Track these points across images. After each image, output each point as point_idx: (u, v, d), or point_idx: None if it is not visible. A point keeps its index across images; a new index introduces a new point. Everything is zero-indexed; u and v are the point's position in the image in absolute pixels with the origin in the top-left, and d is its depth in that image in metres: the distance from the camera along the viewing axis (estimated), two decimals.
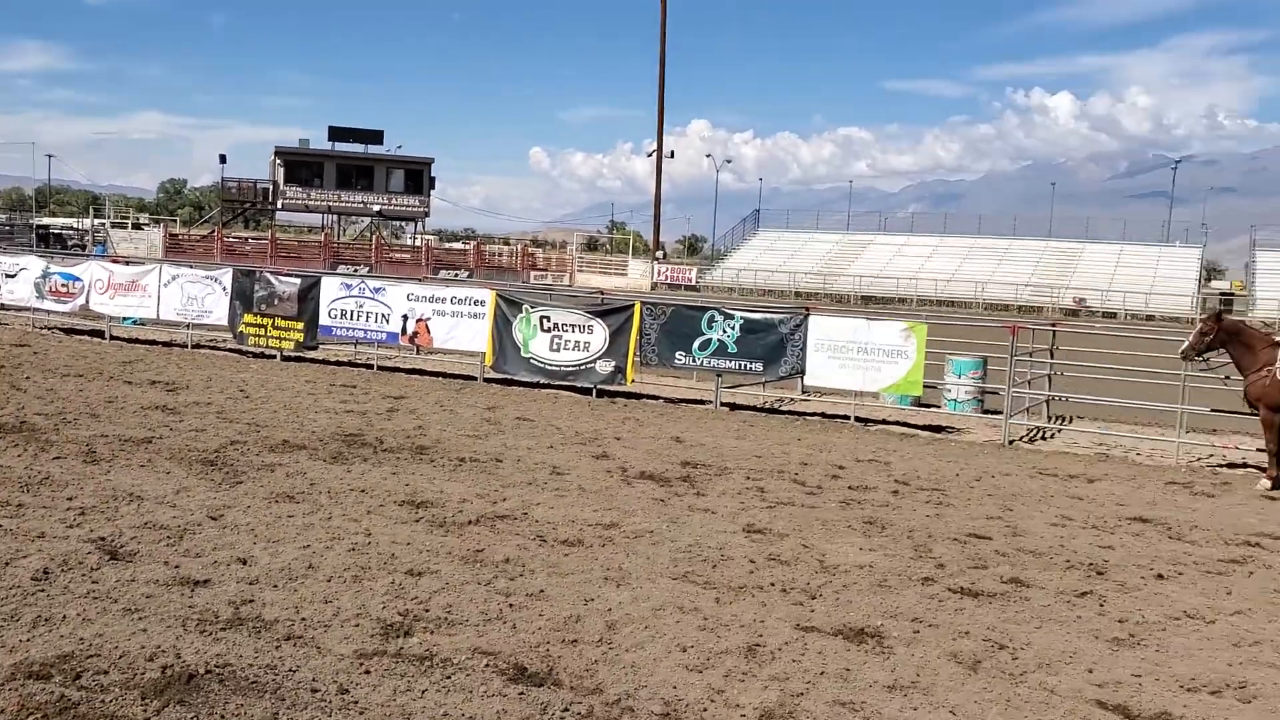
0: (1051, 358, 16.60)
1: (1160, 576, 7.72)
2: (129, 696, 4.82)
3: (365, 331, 17.59)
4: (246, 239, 65.79)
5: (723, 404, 15.99)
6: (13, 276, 20.83)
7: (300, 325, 17.85)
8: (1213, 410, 14.03)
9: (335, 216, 73.69)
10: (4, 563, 6.43)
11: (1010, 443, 14.25)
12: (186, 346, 18.82)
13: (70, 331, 20.37)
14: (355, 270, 48.39)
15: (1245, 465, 13.12)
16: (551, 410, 14.46)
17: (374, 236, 70.99)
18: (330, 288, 17.88)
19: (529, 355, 16.48)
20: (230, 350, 18.64)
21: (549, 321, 16.40)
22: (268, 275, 18.56)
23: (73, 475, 8.68)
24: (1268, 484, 11.70)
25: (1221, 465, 13.30)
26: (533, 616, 6.12)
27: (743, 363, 15.68)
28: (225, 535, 7.36)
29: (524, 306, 16.67)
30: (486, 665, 5.36)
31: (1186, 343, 12.58)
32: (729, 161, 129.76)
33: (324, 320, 17.72)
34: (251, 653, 5.40)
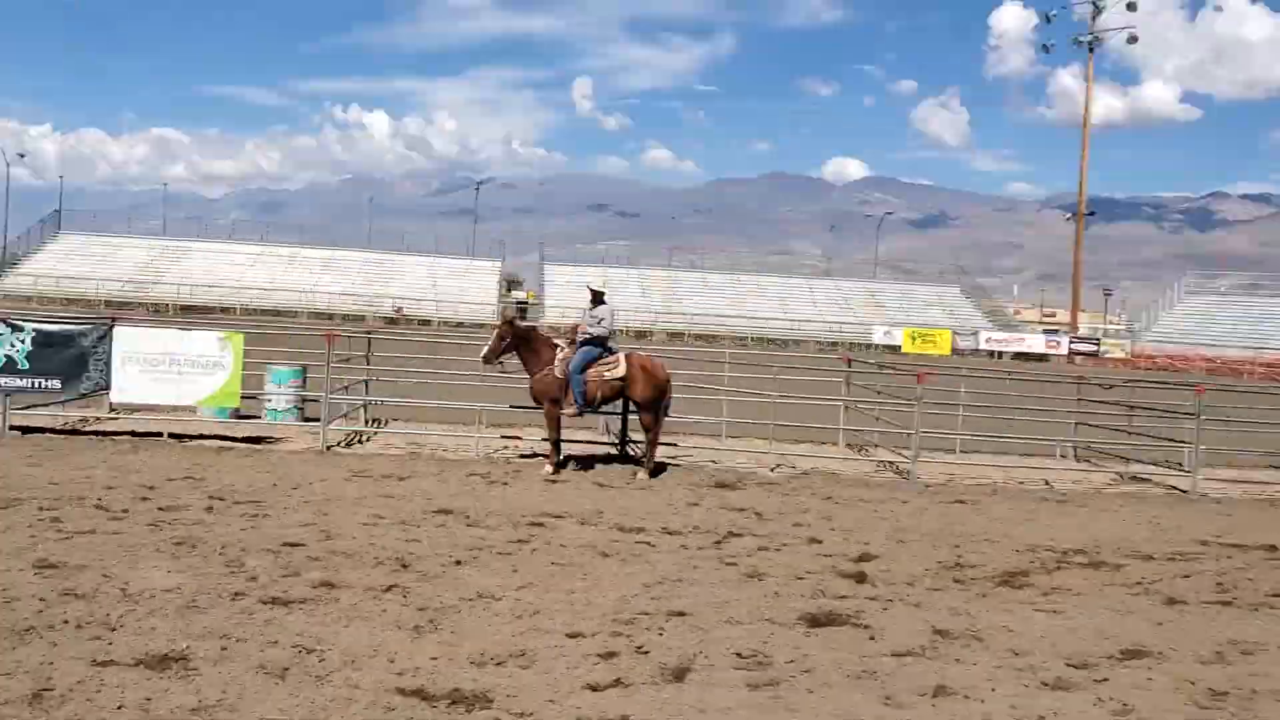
0: (368, 363, 17.23)
1: (459, 563, 8.41)
2: None
3: None
4: None
5: (12, 428, 14.20)
6: None
7: None
8: (511, 406, 15.59)
9: None
10: None
11: (328, 448, 14.52)
12: None
13: None
14: None
15: (534, 455, 14.79)
16: None
17: None
18: None
19: None
20: None
21: None
22: None
23: None
24: (550, 469, 13.33)
25: (515, 456, 14.86)
26: None
27: (37, 380, 14.10)
28: None
29: None
30: None
31: (486, 347, 13.82)
32: (23, 156, 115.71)
33: None
34: None
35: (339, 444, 15.13)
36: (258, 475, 11.95)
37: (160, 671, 5.62)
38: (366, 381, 17.28)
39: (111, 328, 14.41)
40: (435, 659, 6.11)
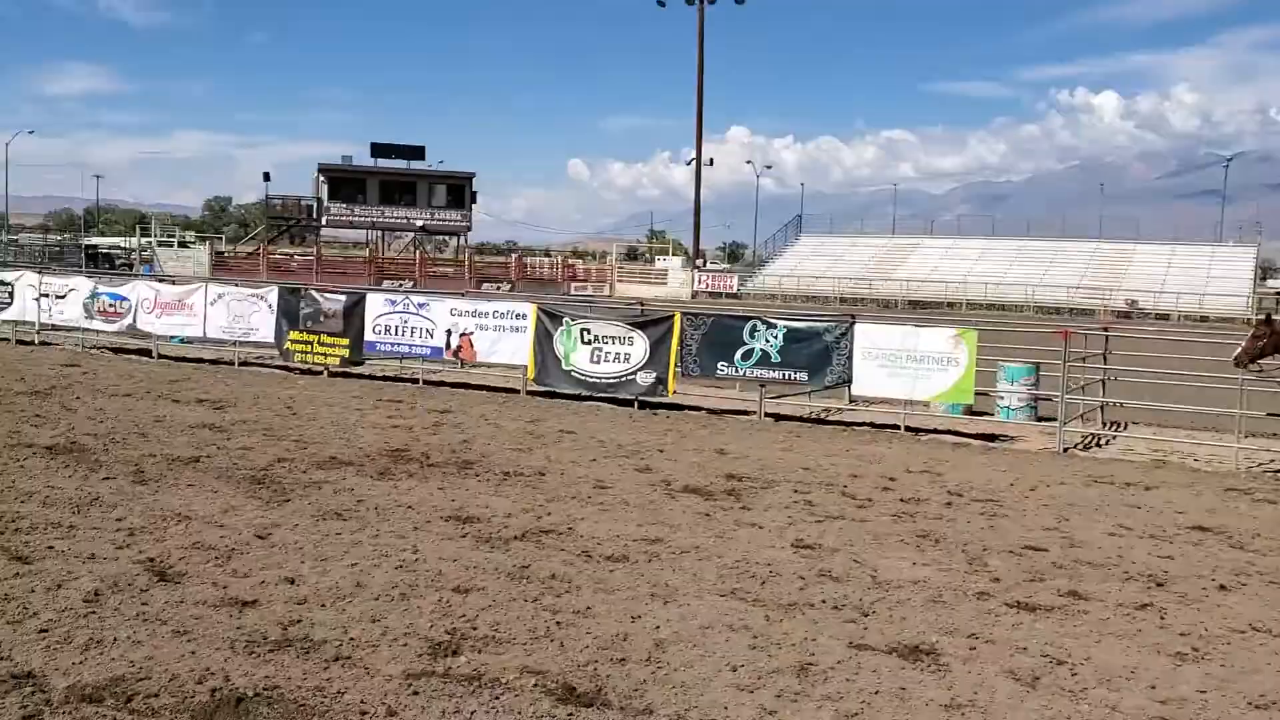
0: (1105, 362, 16.28)
1: (1223, 588, 7.50)
2: (179, 719, 4.81)
3: (410, 346, 17.66)
4: (292, 255, 66.55)
5: (767, 414, 15.85)
6: (62, 298, 21.17)
7: (346, 341, 17.97)
8: (1269, 414, 13.68)
9: (379, 232, 74.35)
10: (56, 585, 6.48)
11: (1065, 450, 13.98)
12: (233, 364, 19.02)
13: (118, 351, 20.66)
14: (399, 285, 48.73)
15: None
16: (594, 423, 14.41)
17: (417, 251, 71.53)
18: (375, 304, 17.98)
19: (570, 368, 16.45)
20: (277, 367, 18.81)
21: (589, 334, 16.37)
22: (313, 293, 18.71)
23: (122, 496, 8.75)
24: None
25: None
26: (580, 634, 6.05)
27: (787, 372, 15.54)
28: (273, 554, 7.37)
29: (564, 319, 16.65)
30: (535, 685, 5.29)
31: (1239, 349, 12.26)
32: (769, 167, 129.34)
33: (369, 336, 17.82)
34: (300, 674, 5.37)
35: (1076, 446, 14.48)
36: (994, 474, 11.89)
37: (912, 662, 5.76)
38: (1104, 381, 16.32)
39: (852, 325, 15.35)
40: (1203, 693, 5.47)
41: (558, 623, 6.23)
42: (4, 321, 21.91)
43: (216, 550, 7.36)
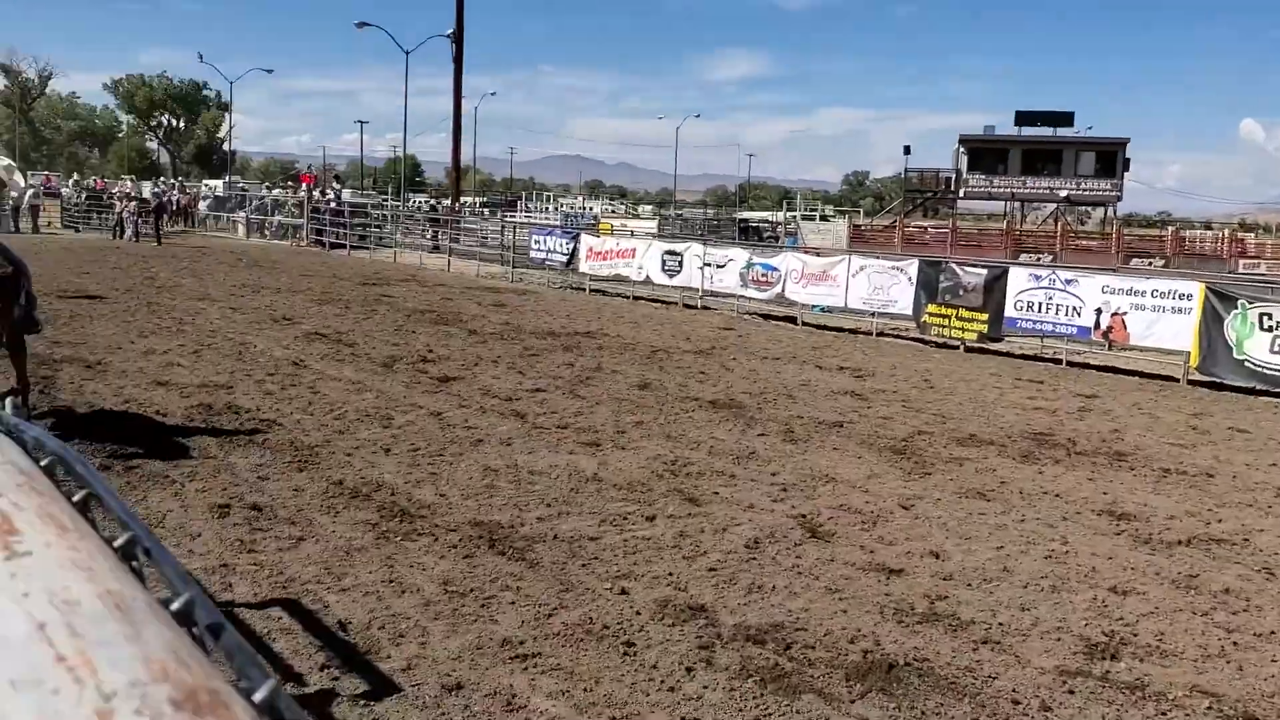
0: None
1: None
2: (834, 675, 5.00)
3: (1053, 325, 16.85)
4: (926, 228, 67.17)
5: None
6: (721, 267, 23.34)
7: (984, 316, 17.65)
8: None
9: (1018, 204, 72.21)
10: (722, 528, 7.11)
11: None
12: (871, 334, 19.62)
13: (767, 317, 22.30)
14: (1038, 259, 46.93)
15: None
16: (1271, 423, 12.59)
17: (1058, 224, 68.29)
18: (1018, 278, 17.42)
19: (1243, 357, 14.54)
20: (913, 339, 19.05)
21: (1271, 319, 14.31)
22: (953, 266, 18.62)
23: (775, 452, 9.38)
24: None
25: None
26: (1263, 660, 5.29)
27: None
28: (917, 526, 7.42)
29: (1239, 301, 14.74)
30: (1209, 708, 4.72)
31: None
32: None
33: (1009, 312, 17.32)
34: (949, 651, 5.33)
35: None
36: None
37: None
38: None
39: None
40: None
41: (1234, 643, 5.52)
42: (674, 287, 24.73)
43: (862, 515, 7.58)
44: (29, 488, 0.51)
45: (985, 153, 69.37)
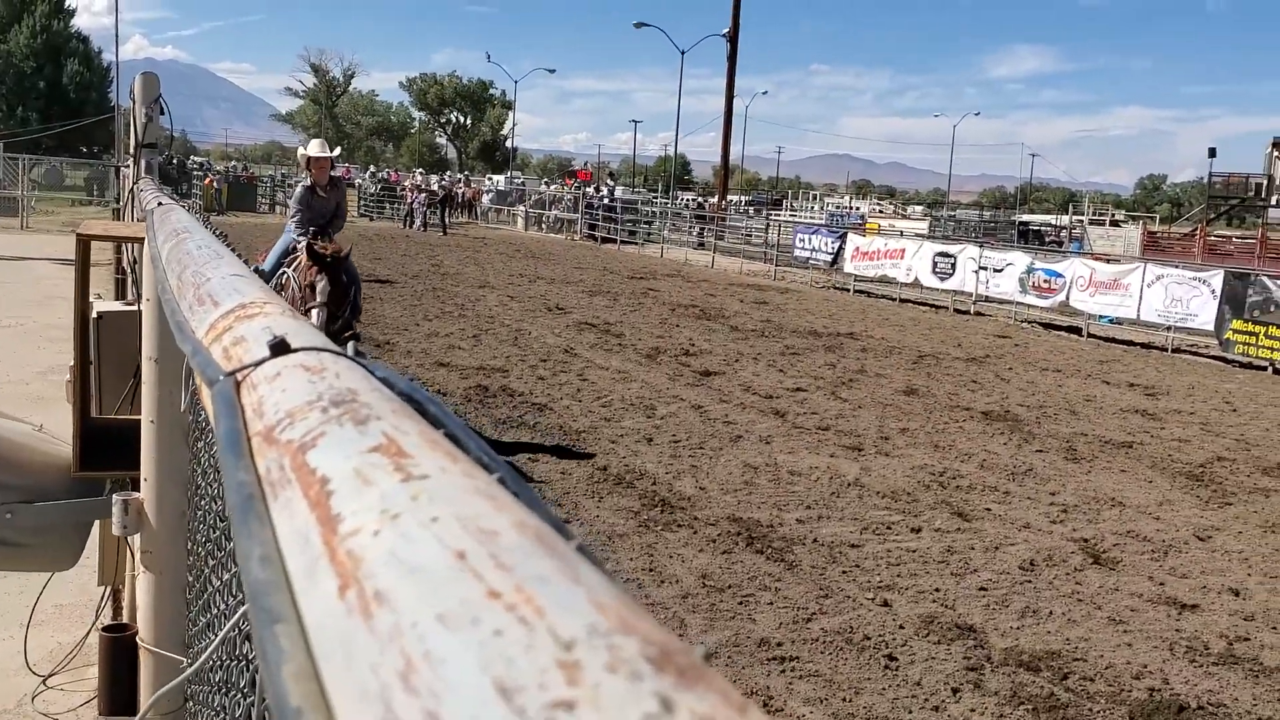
0: None
1: None
2: (1115, 712, 4.63)
3: None
4: (1230, 238, 61.83)
5: None
6: (999, 271, 22.27)
7: None
8: None
9: None
10: (994, 547, 6.74)
11: None
12: (1165, 350, 18.18)
13: (1048, 326, 21.11)
14: None
15: None
16: None
17: None
18: None
19: None
20: (1213, 358, 17.50)
21: None
22: (1264, 279, 16.96)
23: (1054, 471, 8.83)
24: None
25: None
26: None
27: None
28: (1214, 559, 6.78)
29: None
30: None
31: None
32: None
33: None
34: (1249, 699, 4.83)
35: None
36: None
37: None
38: None
39: None
40: None
41: None
42: (945, 291, 23.85)
43: (1152, 543, 7.00)
44: (404, 413, 0.48)
45: None
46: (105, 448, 3.64)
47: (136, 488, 2.92)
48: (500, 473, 0.49)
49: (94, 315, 4.05)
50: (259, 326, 0.76)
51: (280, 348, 0.63)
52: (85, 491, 3.68)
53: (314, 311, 7.77)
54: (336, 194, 8.96)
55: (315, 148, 8.83)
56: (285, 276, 8.29)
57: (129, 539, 3.17)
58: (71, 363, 3.94)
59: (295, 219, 8.60)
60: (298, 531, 0.39)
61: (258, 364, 0.63)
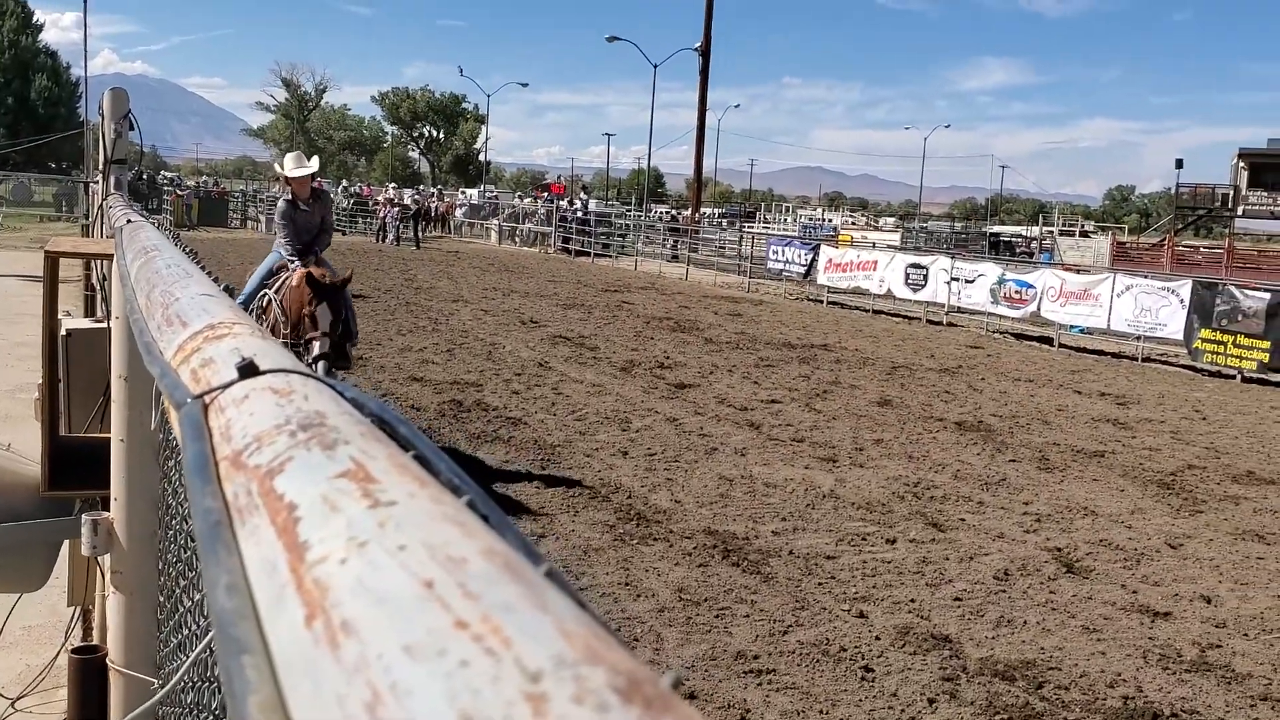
0: None
1: None
2: None
3: None
4: (1198, 248, 62.57)
5: None
6: (971, 282, 22.43)
7: (1266, 344, 16.16)
8: None
9: None
10: (968, 557, 6.77)
11: None
12: (1136, 359, 18.36)
13: (1019, 336, 21.27)
14: None
15: None
16: None
17: None
18: None
19: None
20: (1183, 366, 17.69)
21: None
22: (1231, 288, 17.17)
23: (1027, 480, 8.88)
24: None
25: None
26: None
27: None
28: (1186, 567, 6.83)
29: None
30: None
31: None
32: None
33: None
34: (1221, 705, 4.88)
35: None
36: None
37: None
38: None
39: None
40: None
41: None
42: (917, 302, 23.99)
43: (1124, 552, 7.05)
44: (373, 437, 0.47)
45: (1268, 168, 63.86)
46: (75, 467, 3.60)
47: (106, 507, 2.89)
48: (470, 496, 0.49)
49: (63, 332, 4.00)
50: (227, 348, 0.75)
51: (248, 370, 0.63)
52: (54, 511, 3.64)
53: (315, 343, 7.45)
54: (320, 207, 8.63)
55: (291, 164, 8.45)
56: (266, 299, 7.95)
57: (99, 559, 3.14)
58: (40, 380, 3.90)
59: (284, 238, 8.30)
60: (265, 559, 0.39)
61: (225, 386, 0.63)
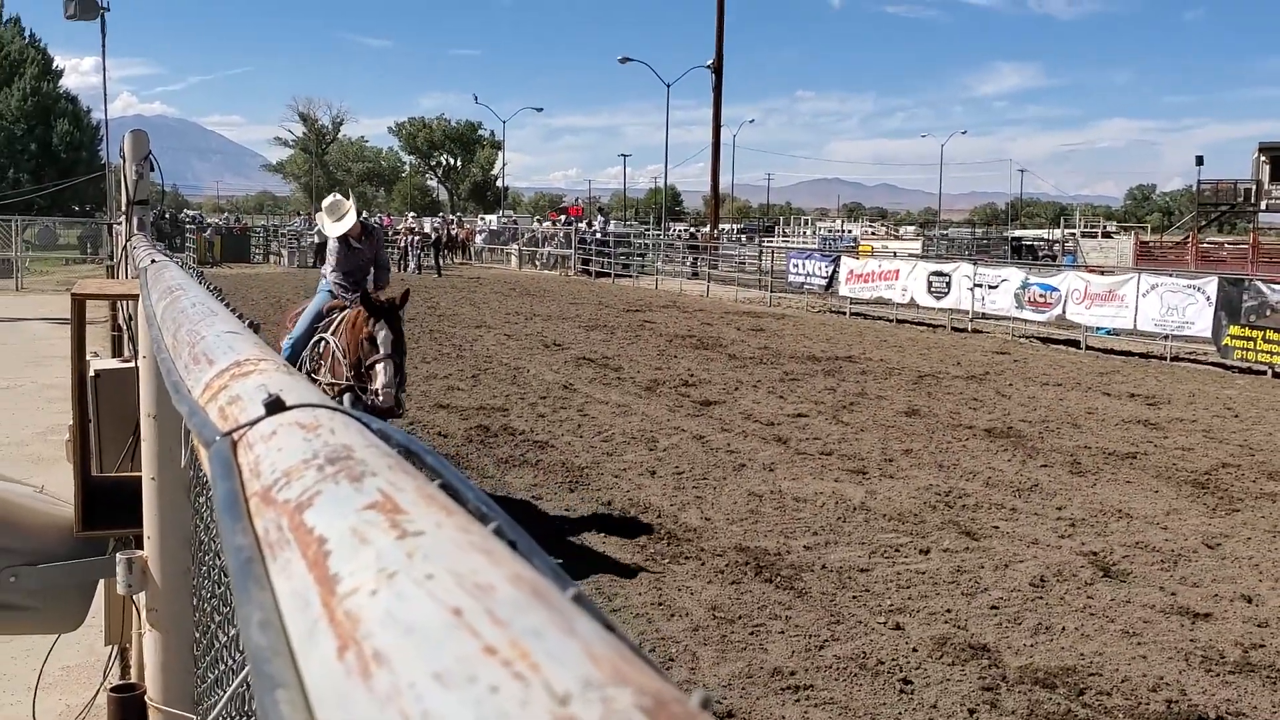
0: None
1: None
2: None
3: None
4: (1223, 244, 62.05)
5: None
6: (994, 287, 22.31)
7: None
8: None
9: None
10: (1004, 564, 6.72)
11: None
12: (1164, 359, 18.19)
13: (1046, 340, 21.12)
14: None
15: None
16: None
17: None
18: None
19: None
20: (1212, 364, 17.50)
21: None
22: (1258, 283, 17.01)
23: (1060, 485, 8.81)
24: None
25: None
26: None
27: None
28: (1224, 567, 6.75)
29: None
30: None
31: None
32: None
33: None
34: (1268, 706, 4.81)
35: None
36: None
37: None
38: None
39: None
40: None
41: None
42: (941, 310, 23.88)
43: (1161, 554, 6.97)
44: (400, 469, 0.48)
45: None
46: (107, 506, 3.63)
47: (140, 545, 2.91)
48: (498, 522, 0.50)
49: (91, 374, 4.05)
50: (254, 384, 0.76)
51: (275, 406, 0.64)
52: (88, 551, 3.67)
53: (379, 367, 6.84)
54: (372, 244, 8.05)
55: (329, 220, 7.81)
56: (324, 343, 7.34)
57: (134, 597, 3.16)
58: (70, 422, 3.94)
59: (332, 271, 7.82)
60: (297, 592, 0.40)
61: (253, 423, 0.63)
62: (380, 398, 6.78)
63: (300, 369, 6.66)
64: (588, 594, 0.44)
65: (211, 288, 2.33)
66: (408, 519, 0.40)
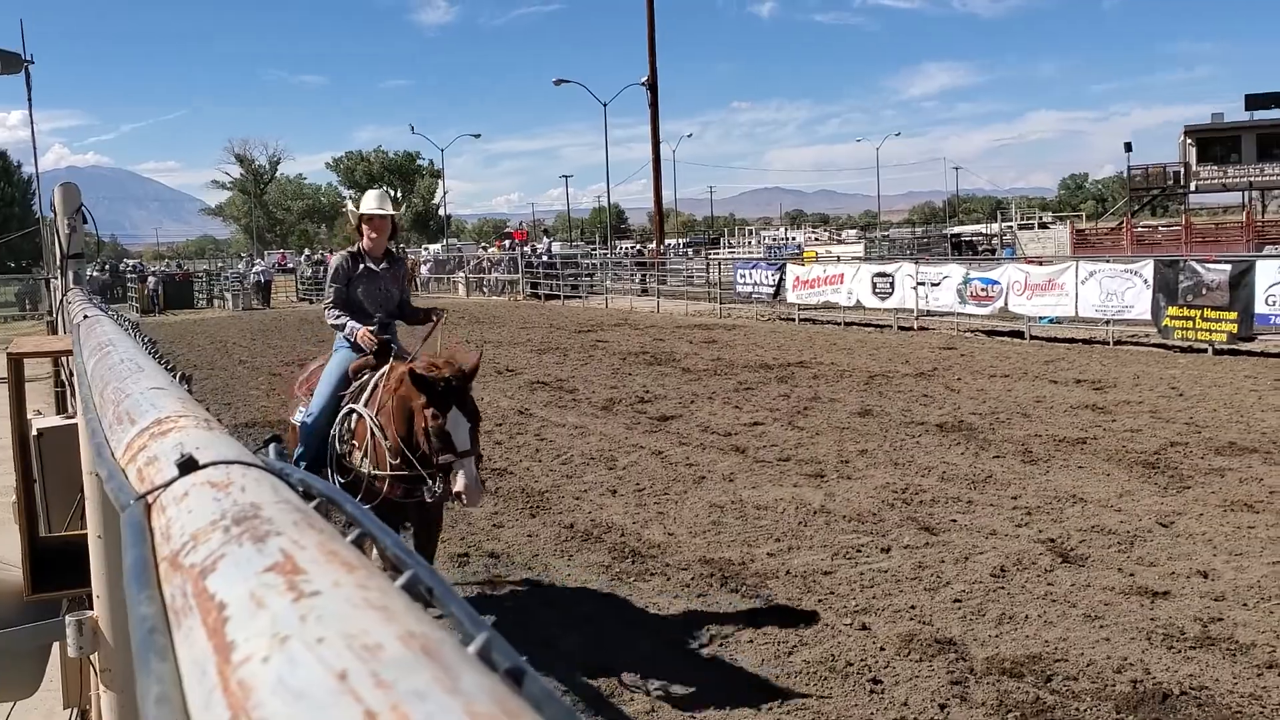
0: None
1: None
2: (1102, 708, 4.66)
3: None
4: (1156, 228, 63.32)
5: None
6: (937, 285, 22.59)
7: (1233, 315, 16.33)
8: None
9: (1256, 193, 67.01)
10: (964, 557, 6.78)
11: None
12: (1107, 343, 18.50)
13: (990, 333, 21.41)
14: None
15: None
16: None
17: None
18: (1267, 272, 16.05)
19: None
20: (1154, 345, 17.84)
21: None
22: (1193, 263, 17.36)
23: (1013, 474, 8.91)
24: None
25: None
26: None
27: None
28: (1179, 544, 6.86)
29: None
30: None
31: None
32: None
33: (1260, 308, 15.96)
34: (1229, 678, 4.88)
35: None
36: None
37: None
38: None
39: None
40: None
41: None
42: (886, 310, 24.12)
43: (1117, 535, 7.08)
44: (306, 524, 0.48)
45: (1215, 142, 64.77)
46: (57, 567, 3.56)
47: (91, 605, 2.85)
48: (413, 570, 0.50)
49: (34, 432, 3.98)
50: (171, 444, 0.75)
51: (188, 465, 0.63)
52: (40, 614, 3.60)
53: (462, 471, 5.02)
54: (396, 273, 6.35)
55: (373, 201, 6.13)
56: (355, 417, 5.58)
57: (89, 658, 3.10)
58: (14, 484, 3.86)
59: (335, 310, 6.14)
60: (196, 662, 0.39)
61: (167, 485, 0.63)
62: (465, 500, 5.20)
63: (329, 452, 5.60)
64: (503, 635, 0.44)
65: (145, 340, 2.30)
66: (305, 579, 0.40)
